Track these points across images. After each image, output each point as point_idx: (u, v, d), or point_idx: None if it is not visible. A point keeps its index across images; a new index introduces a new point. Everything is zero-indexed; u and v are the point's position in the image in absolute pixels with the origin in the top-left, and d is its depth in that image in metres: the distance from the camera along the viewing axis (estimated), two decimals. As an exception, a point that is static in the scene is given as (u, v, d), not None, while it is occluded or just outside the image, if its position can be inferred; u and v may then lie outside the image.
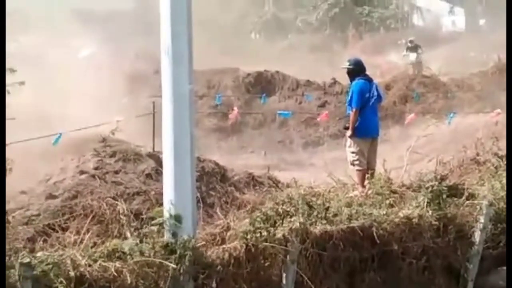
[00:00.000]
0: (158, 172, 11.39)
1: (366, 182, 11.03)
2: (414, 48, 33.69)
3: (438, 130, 20.56)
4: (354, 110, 11.62)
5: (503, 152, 11.63)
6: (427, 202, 9.43)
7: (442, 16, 57.47)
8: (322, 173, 12.33)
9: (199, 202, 9.80)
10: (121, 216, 9.09)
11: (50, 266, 6.87)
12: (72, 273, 6.90)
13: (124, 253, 7.37)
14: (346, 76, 12.32)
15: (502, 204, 9.83)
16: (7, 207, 10.06)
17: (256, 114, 25.84)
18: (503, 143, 11.87)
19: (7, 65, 7.43)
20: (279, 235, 8.01)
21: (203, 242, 7.91)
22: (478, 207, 9.71)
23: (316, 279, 8.31)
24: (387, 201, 9.67)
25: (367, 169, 11.41)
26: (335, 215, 8.79)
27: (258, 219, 8.19)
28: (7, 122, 7.45)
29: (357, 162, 11.55)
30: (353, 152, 11.63)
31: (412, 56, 33.05)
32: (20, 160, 9.75)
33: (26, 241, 8.63)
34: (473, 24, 54.13)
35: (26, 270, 6.70)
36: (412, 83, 28.05)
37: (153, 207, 8.90)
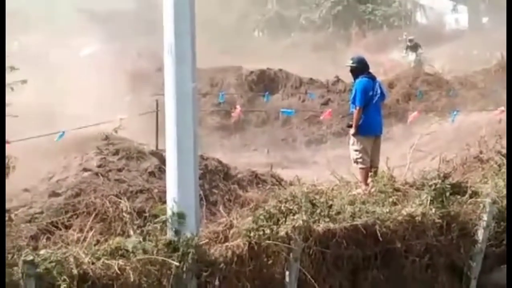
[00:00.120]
0: (161, 170, 11.39)
1: (369, 180, 11.03)
2: (413, 47, 33.64)
3: (441, 128, 20.60)
4: (357, 108, 11.62)
5: (507, 150, 11.62)
6: (430, 200, 9.43)
7: (445, 14, 57.35)
8: (325, 171, 12.33)
9: (202, 200, 9.80)
10: (124, 214, 9.10)
11: (53, 264, 6.88)
12: (75, 271, 6.91)
13: (127, 251, 7.38)
14: (350, 74, 12.33)
15: (506, 202, 9.81)
16: (10, 205, 10.07)
17: (259, 112, 25.81)
18: (506, 141, 11.86)
19: (9, 64, 7.43)
20: (282, 233, 8.02)
21: (206, 240, 7.91)
22: (481, 205, 9.71)
23: (319, 277, 8.32)
24: (390, 199, 9.68)
25: (370, 167, 11.42)
26: (338, 213, 8.79)
27: (261, 217, 8.19)
28: (10, 120, 7.46)
29: (360, 160, 11.55)
30: (356, 150, 11.63)
31: (412, 56, 33.02)
32: (23, 158, 9.76)
33: (29, 239, 8.63)
34: (476, 22, 54.02)
35: (29, 268, 6.71)
36: (415, 81, 27.98)
37: (156, 205, 8.89)
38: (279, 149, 23.66)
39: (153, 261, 7.31)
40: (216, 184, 12.04)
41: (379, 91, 11.86)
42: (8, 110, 7.40)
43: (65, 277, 6.83)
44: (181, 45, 7.70)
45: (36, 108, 15.06)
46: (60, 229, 9.02)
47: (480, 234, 9.63)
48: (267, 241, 7.93)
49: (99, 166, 11.61)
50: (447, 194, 9.58)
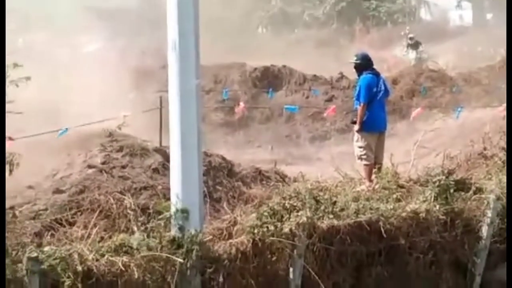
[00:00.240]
0: (165, 166, 11.40)
1: (373, 176, 11.02)
2: (414, 45, 33.60)
3: (445, 125, 20.58)
4: (361, 104, 11.61)
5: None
6: (434, 197, 9.42)
7: (449, 10, 57.26)
8: (329, 168, 12.32)
9: (206, 196, 9.81)
10: (128, 211, 9.10)
11: (58, 260, 6.90)
12: (79, 268, 6.93)
13: (131, 247, 7.39)
14: (354, 70, 12.31)
15: (506, 201, 9.79)
16: (14, 202, 10.09)
17: (263, 109, 25.80)
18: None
19: (13, 61, 7.43)
20: (286, 229, 8.02)
21: (210, 237, 7.92)
22: (485, 201, 9.70)
23: (323, 274, 8.32)
24: (394, 196, 9.67)
25: (374, 163, 11.41)
26: (342, 209, 8.79)
27: (265, 213, 8.19)
28: (14, 117, 7.47)
29: (364, 157, 11.55)
30: (360, 147, 11.62)
31: (412, 54, 32.99)
32: (27, 155, 9.75)
33: (34, 236, 8.64)
34: (480, 18, 53.92)
35: (34, 265, 6.73)
36: (419, 77, 27.93)
37: (160, 202, 8.89)
38: (283, 146, 23.66)
39: (157, 258, 7.33)
40: (220, 180, 12.04)
41: (383, 88, 11.85)
42: (12, 107, 7.39)
43: (69, 273, 6.85)
44: (184, 42, 7.70)
45: (40, 105, 15.08)
46: (64, 226, 9.02)
47: (484, 231, 9.62)
48: (271, 238, 7.93)
49: (103, 163, 11.62)
50: (451, 190, 9.57)
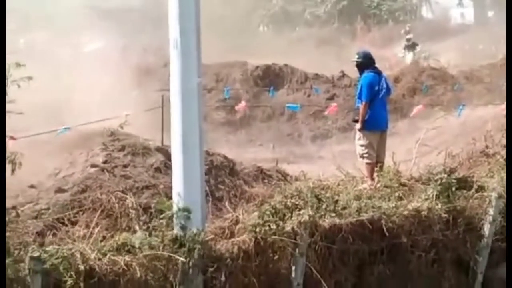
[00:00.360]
0: (167, 165, 11.39)
1: (375, 175, 11.02)
2: (411, 46, 33.70)
3: (447, 123, 20.56)
4: (363, 103, 11.61)
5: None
6: (436, 195, 9.42)
7: (450, 8, 57.30)
8: (331, 166, 12.33)
9: (208, 195, 9.81)
10: (130, 210, 9.11)
11: (60, 260, 6.89)
12: (81, 267, 6.92)
13: (133, 246, 7.39)
14: (355, 69, 12.32)
15: (506, 200, 9.79)
16: (17, 201, 10.09)
17: (265, 108, 25.81)
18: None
19: (15, 60, 7.43)
20: (288, 228, 8.01)
21: (212, 236, 7.92)
22: (487, 199, 9.70)
23: (325, 272, 8.31)
24: (396, 194, 9.66)
25: (376, 162, 11.41)
26: (344, 208, 8.78)
27: (267, 212, 8.19)
28: (16, 116, 7.47)
29: (366, 155, 11.55)
30: (362, 145, 11.63)
31: (409, 55, 33.05)
32: (29, 154, 9.74)
33: (36, 235, 8.64)
34: (482, 16, 53.95)
35: (36, 264, 6.73)
36: (420, 75, 27.96)
37: (161, 200, 8.88)
38: (285, 144, 23.68)
39: (160, 257, 7.33)
40: (221, 179, 12.03)
41: (385, 86, 11.86)
42: (14, 106, 7.39)
43: (71, 273, 6.85)
44: (186, 41, 7.70)
45: (42, 105, 15.10)
46: (66, 225, 9.03)
47: (486, 229, 9.62)
48: (273, 237, 7.93)
49: (105, 162, 11.61)
50: (453, 188, 9.57)
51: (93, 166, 11.41)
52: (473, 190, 9.79)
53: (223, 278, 7.71)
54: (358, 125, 11.71)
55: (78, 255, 7.03)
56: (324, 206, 8.61)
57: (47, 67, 17.96)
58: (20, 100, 7.51)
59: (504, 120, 16.05)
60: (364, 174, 11.45)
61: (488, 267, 9.76)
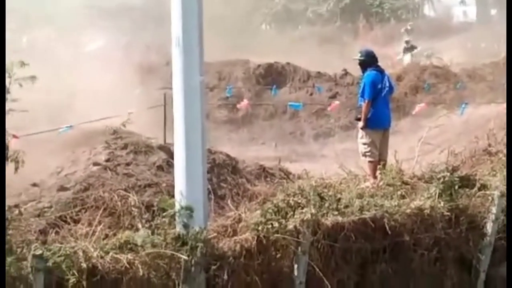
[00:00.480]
0: (169, 164, 11.39)
1: (377, 173, 11.01)
2: (410, 49, 33.71)
3: (449, 121, 20.54)
4: (366, 101, 11.60)
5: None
6: (439, 193, 9.41)
7: (453, 7, 57.21)
8: (333, 165, 12.31)
9: (210, 193, 9.81)
10: (133, 208, 9.11)
11: (62, 258, 6.91)
12: (84, 265, 6.94)
13: (136, 245, 7.40)
14: (358, 67, 12.31)
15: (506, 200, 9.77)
16: (19, 199, 10.10)
17: (267, 106, 25.80)
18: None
19: (18, 59, 7.44)
20: (290, 226, 8.01)
21: (215, 234, 7.93)
22: (490, 198, 9.68)
23: (327, 271, 8.31)
24: (399, 192, 9.66)
25: (378, 160, 11.40)
26: (347, 206, 8.78)
27: (270, 210, 8.19)
28: (19, 115, 7.48)
29: (369, 154, 11.54)
30: (365, 144, 11.62)
31: (407, 57, 33.07)
32: (31, 152, 9.75)
33: (38, 233, 8.63)
34: (484, 14, 53.85)
35: (39, 262, 6.74)
36: (423, 74, 27.93)
37: (163, 198, 8.88)
38: (287, 143, 23.67)
39: (162, 255, 7.33)
40: (224, 177, 12.02)
41: (387, 84, 11.85)
42: (16, 105, 7.40)
43: (74, 271, 6.86)
44: (188, 39, 7.70)
45: (45, 103, 15.11)
46: (69, 223, 9.03)
47: (489, 227, 9.60)
48: (276, 235, 7.93)
49: (107, 160, 11.61)
50: (456, 187, 9.55)
51: (95, 164, 11.41)
52: (475, 188, 9.77)
53: (225, 276, 7.71)
54: (360, 124, 11.70)
55: (80, 253, 7.05)
56: (326, 205, 8.61)
57: (49, 66, 17.96)
58: (23, 99, 7.51)
59: (507, 119, 16.05)
60: (366, 172, 11.44)
61: (491, 265, 9.74)
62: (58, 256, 6.90)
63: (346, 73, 27.35)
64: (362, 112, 11.65)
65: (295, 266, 8.15)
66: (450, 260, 9.43)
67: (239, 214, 8.37)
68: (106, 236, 7.89)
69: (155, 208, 8.84)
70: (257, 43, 39.36)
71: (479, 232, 9.62)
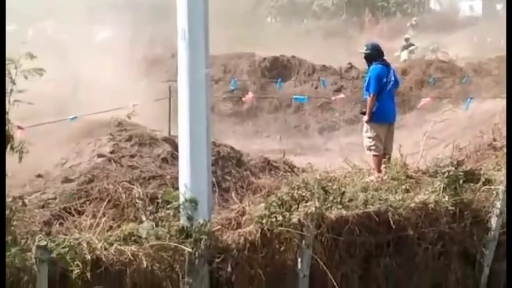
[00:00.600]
0: (173, 156, 11.41)
1: (382, 167, 11.00)
2: (408, 46, 33.70)
3: (454, 115, 20.49)
4: (371, 95, 11.57)
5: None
6: (443, 188, 9.38)
7: (459, 1, 57.10)
8: (338, 158, 12.32)
9: (215, 186, 9.81)
10: (137, 200, 9.11)
11: (67, 249, 6.92)
12: (88, 256, 6.95)
13: (140, 237, 7.40)
14: (363, 61, 12.30)
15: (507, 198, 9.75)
16: (24, 190, 10.12)
17: (272, 99, 25.79)
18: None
19: (25, 51, 7.45)
20: (294, 219, 8.01)
21: (219, 226, 7.92)
22: (494, 192, 9.65)
23: (331, 264, 8.30)
24: (403, 186, 9.64)
25: (383, 154, 11.39)
26: (351, 200, 8.77)
27: (274, 203, 8.18)
28: (24, 106, 7.48)
29: (373, 147, 11.53)
30: (369, 137, 11.60)
31: (404, 54, 33.07)
32: (36, 143, 9.76)
33: (42, 225, 8.66)
34: (490, 9, 53.75)
35: (43, 253, 6.75)
36: (428, 68, 27.90)
37: (168, 190, 8.89)
38: (292, 136, 23.68)
39: (166, 247, 7.34)
40: (228, 170, 12.04)
41: (393, 78, 11.81)
42: (23, 96, 7.41)
43: (78, 262, 6.87)
44: (194, 31, 7.69)
45: (50, 94, 15.12)
46: (73, 215, 9.04)
47: (493, 222, 9.58)
48: (280, 228, 7.92)
49: (112, 152, 11.64)
50: (460, 181, 9.53)
51: (100, 156, 11.44)
52: (480, 183, 9.74)
53: (229, 269, 7.71)
54: (365, 117, 11.68)
55: (84, 244, 7.06)
56: (330, 198, 8.60)
57: (55, 58, 17.98)
58: (28, 90, 7.52)
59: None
60: (371, 166, 11.43)
61: (495, 260, 9.72)
62: (62, 248, 6.91)
63: (351, 66, 27.33)
64: (367, 106, 11.63)
65: (299, 259, 8.14)
66: (454, 255, 9.42)
67: (243, 207, 8.36)
68: (110, 228, 7.90)
69: (160, 200, 8.84)
70: (263, 36, 39.35)
71: (483, 226, 9.60)
